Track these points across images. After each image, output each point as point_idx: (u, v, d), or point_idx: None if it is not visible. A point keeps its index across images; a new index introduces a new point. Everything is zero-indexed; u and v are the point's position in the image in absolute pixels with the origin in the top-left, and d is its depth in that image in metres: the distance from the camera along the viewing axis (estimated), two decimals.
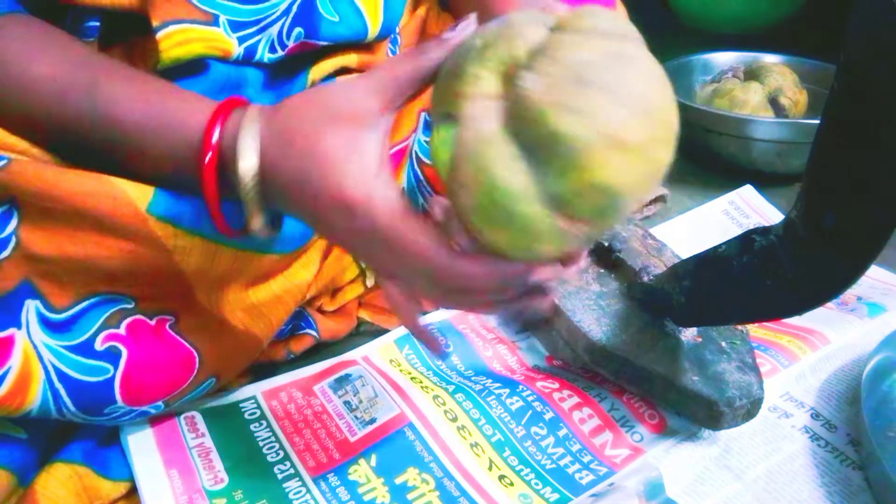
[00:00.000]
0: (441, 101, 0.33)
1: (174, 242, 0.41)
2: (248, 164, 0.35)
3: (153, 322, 0.43)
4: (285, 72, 0.51)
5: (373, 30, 0.52)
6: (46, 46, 0.39)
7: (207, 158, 0.36)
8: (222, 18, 0.45)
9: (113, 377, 0.42)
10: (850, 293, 0.63)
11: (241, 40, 0.46)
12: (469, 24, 0.35)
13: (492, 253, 0.33)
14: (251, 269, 0.46)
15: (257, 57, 0.47)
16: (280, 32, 0.48)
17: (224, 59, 0.46)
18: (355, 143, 0.34)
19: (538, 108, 0.28)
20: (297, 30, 0.48)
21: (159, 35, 0.43)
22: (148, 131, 0.38)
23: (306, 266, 0.52)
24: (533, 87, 0.29)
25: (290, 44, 0.48)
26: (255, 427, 0.51)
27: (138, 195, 0.39)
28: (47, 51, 0.39)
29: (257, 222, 0.37)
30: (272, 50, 0.48)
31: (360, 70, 0.55)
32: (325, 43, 0.50)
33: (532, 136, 0.29)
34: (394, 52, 0.58)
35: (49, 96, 0.38)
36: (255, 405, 0.53)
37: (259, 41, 0.47)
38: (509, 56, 0.31)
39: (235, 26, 0.46)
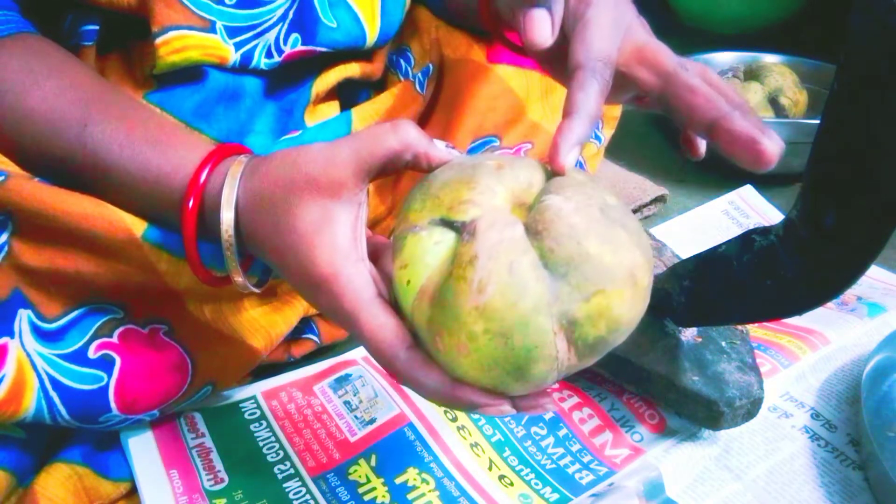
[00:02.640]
0: (436, 208, 0.31)
1: (166, 267, 0.41)
2: (226, 227, 0.35)
3: (146, 330, 0.43)
4: (287, 81, 0.51)
5: (371, 36, 0.52)
6: (44, 77, 0.39)
7: (187, 218, 0.37)
8: (219, 25, 0.45)
9: (107, 385, 0.42)
10: (850, 293, 0.63)
11: (237, 46, 0.46)
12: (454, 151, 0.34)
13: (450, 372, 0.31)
14: None
15: (254, 63, 0.47)
16: (277, 38, 0.48)
17: (221, 67, 0.46)
18: (328, 217, 0.33)
19: (570, 226, 0.29)
20: (294, 36, 0.48)
21: (158, 41, 0.43)
22: (138, 179, 0.38)
23: None
24: (564, 207, 0.29)
25: (287, 50, 0.48)
26: (255, 427, 0.51)
27: (134, 221, 0.39)
28: (44, 83, 0.39)
29: (238, 277, 0.37)
30: (269, 55, 0.48)
31: (362, 80, 0.55)
32: (322, 49, 0.49)
33: (559, 254, 0.28)
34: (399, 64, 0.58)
35: (42, 131, 0.39)
36: (255, 405, 0.53)
37: (255, 46, 0.47)
38: (525, 180, 0.32)
39: (232, 32, 0.46)
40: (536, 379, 0.29)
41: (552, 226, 0.29)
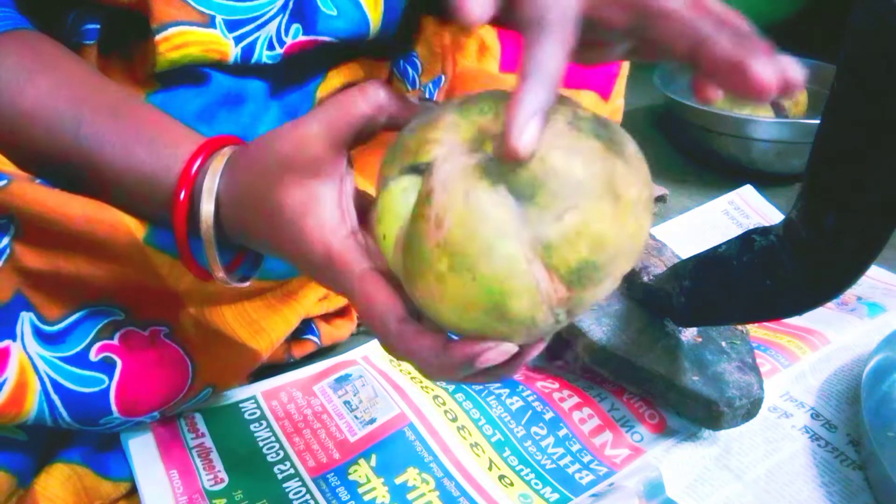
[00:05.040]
0: (404, 156, 0.30)
1: (168, 270, 0.41)
2: (205, 218, 0.35)
3: (146, 332, 0.43)
4: (291, 85, 0.51)
5: (374, 23, 0.51)
6: (38, 75, 0.39)
7: (177, 210, 0.36)
8: (218, 19, 0.45)
9: (108, 388, 0.42)
10: (850, 293, 0.63)
11: (237, 40, 0.46)
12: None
13: (440, 328, 0.29)
14: (244, 288, 0.46)
15: (255, 57, 0.47)
16: (278, 30, 0.48)
17: (221, 62, 0.46)
18: (311, 196, 0.32)
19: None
20: (295, 26, 0.48)
21: (158, 38, 0.43)
22: (131, 180, 0.38)
23: (314, 288, 0.52)
24: None
25: (289, 41, 0.48)
26: (255, 427, 0.51)
27: (136, 225, 0.39)
28: (38, 81, 0.39)
29: (219, 273, 0.37)
30: (270, 47, 0.47)
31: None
32: (325, 38, 0.49)
33: (523, 174, 0.26)
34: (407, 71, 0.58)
35: (37, 132, 0.38)
36: (255, 405, 0.53)
37: (257, 39, 0.47)
38: (491, 109, 0.29)
39: (232, 26, 0.45)
40: (523, 317, 0.27)
41: None
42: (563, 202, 0.25)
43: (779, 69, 0.27)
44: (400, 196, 0.29)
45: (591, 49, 0.36)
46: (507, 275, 0.26)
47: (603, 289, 0.27)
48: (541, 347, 0.30)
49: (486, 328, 0.27)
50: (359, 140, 0.33)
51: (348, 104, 0.32)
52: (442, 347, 0.29)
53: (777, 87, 0.27)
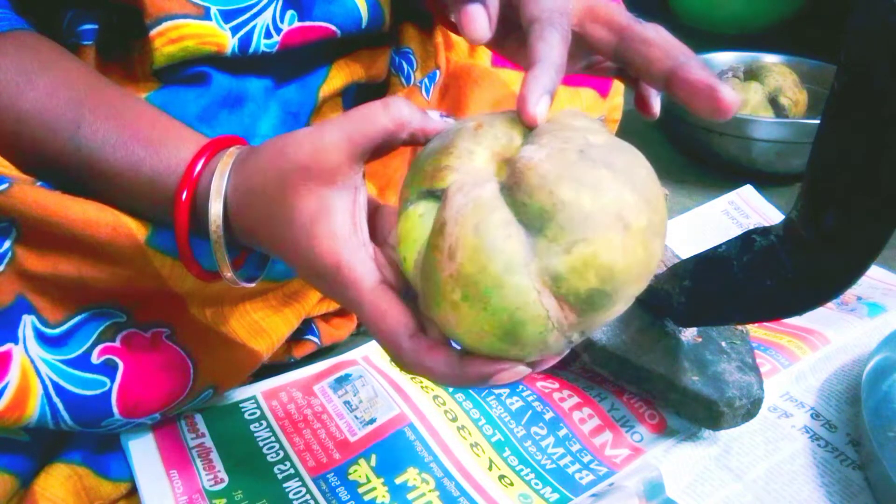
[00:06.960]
0: (422, 180, 0.30)
1: (169, 271, 0.41)
2: (214, 219, 0.35)
3: (148, 334, 0.43)
4: (292, 78, 0.51)
5: (363, 9, 0.51)
6: (36, 76, 0.39)
7: (179, 210, 0.36)
8: (213, 10, 0.45)
9: (110, 390, 0.42)
10: (850, 293, 0.63)
11: (234, 30, 0.45)
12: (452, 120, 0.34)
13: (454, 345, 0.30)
14: (246, 289, 0.46)
15: (253, 47, 0.46)
16: (273, 17, 0.47)
17: (219, 55, 0.45)
18: (325, 206, 0.32)
19: (541, 175, 0.27)
20: (290, 13, 0.48)
21: (153, 32, 0.42)
22: (132, 180, 0.38)
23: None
24: (535, 156, 0.28)
25: (285, 27, 0.47)
26: (255, 427, 0.51)
27: (138, 227, 0.39)
28: (37, 82, 0.39)
29: (228, 273, 0.37)
30: (268, 35, 0.47)
31: (368, 85, 0.55)
32: (321, 24, 0.49)
33: (532, 207, 0.27)
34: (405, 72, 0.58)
35: (37, 133, 0.38)
36: (255, 405, 0.53)
37: (253, 28, 0.46)
38: (505, 135, 0.30)
39: (227, 16, 0.45)
40: (535, 342, 0.28)
41: (523, 178, 0.27)
42: (571, 235, 0.26)
43: (732, 93, 0.32)
44: (418, 221, 0.30)
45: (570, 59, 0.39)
46: (517, 306, 0.27)
47: (614, 311, 0.28)
48: (555, 360, 0.31)
49: (500, 351, 0.29)
50: (377, 154, 0.33)
51: (371, 117, 0.32)
52: (457, 363, 0.29)
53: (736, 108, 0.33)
